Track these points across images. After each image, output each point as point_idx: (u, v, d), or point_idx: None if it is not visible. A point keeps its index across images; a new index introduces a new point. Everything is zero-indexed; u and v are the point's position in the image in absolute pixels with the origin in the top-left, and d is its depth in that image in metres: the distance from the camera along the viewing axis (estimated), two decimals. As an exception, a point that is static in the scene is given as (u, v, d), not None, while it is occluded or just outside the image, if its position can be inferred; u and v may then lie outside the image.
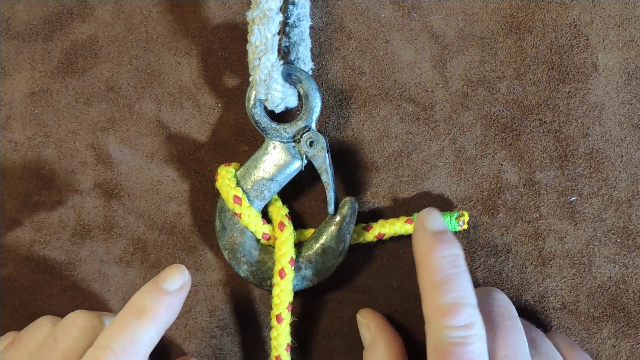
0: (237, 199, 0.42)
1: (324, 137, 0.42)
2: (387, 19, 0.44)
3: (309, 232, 0.44)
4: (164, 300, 0.38)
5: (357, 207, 0.43)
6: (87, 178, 0.45)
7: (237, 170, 0.43)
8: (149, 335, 0.38)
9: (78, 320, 0.40)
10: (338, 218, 0.43)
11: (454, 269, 0.38)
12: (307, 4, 0.43)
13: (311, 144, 0.42)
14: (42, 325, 0.42)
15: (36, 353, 0.39)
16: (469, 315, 0.36)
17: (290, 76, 0.42)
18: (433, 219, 0.40)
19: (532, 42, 0.44)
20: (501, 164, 0.44)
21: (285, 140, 0.42)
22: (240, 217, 0.42)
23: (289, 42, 0.43)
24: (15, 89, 0.45)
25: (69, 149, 0.45)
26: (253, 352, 0.45)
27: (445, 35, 0.44)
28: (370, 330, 0.42)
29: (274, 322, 0.42)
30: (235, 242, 0.43)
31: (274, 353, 0.42)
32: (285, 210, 0.43)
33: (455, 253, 0.38)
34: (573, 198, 0.44)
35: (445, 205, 0.44)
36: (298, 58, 0.43)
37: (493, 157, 0.44)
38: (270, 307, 0.42)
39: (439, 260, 0.38)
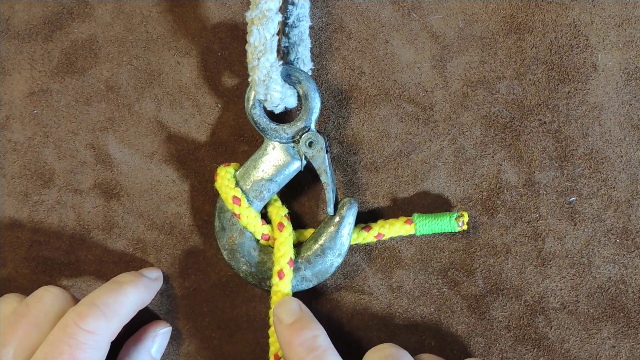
0: (236, 200, 0.42)
1: (324, 138, 0.42)
2: (387, 19, 0.44)
3: (309, 232, 0.44)
4: (143, 279, 0.42)
5: (356, 207, 0.43)
6: (86, 178, 0.45)
7: (236, 170, 0.43)
8: (130, 300, 0.40)
9: (51, 289, 0.41)
10: (337, 218, 0.43)
11: (314, 351, 0.39)
12: (307, 4, 0.43)
13: (310, 144, 0.42)
14: (10, 299, 0.42)
15: (8, 319, 0.39)
16: None
17: (290, 76, 0.42)
18: (285, 311, 0.41)
19: (532, 42, 0.44)
20: (501, 164, 0.44)
21: (284, 141, 0.42)
22: (239, 218, 0.42)
23: (289, 42, 0.43)
24: (15, 88, 0.46)
25: (69, 149, 0.45)
26: (253, 353, 0.45)
27: (445, 35, 0.44)
28: None
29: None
30: (234, 243, 0.43)
31: (273, 352, 0.42)
32: (284, 211, 0.43)
33: (312, 335, 0.40)
34: (573, 198, 0.44)
35: (444, 205, 0.44)
36: (297, 58, 0.43)
37: (493, 157, 0.44)
38: (269, 307, 0.42)
39: (299, 348, 0.40)
